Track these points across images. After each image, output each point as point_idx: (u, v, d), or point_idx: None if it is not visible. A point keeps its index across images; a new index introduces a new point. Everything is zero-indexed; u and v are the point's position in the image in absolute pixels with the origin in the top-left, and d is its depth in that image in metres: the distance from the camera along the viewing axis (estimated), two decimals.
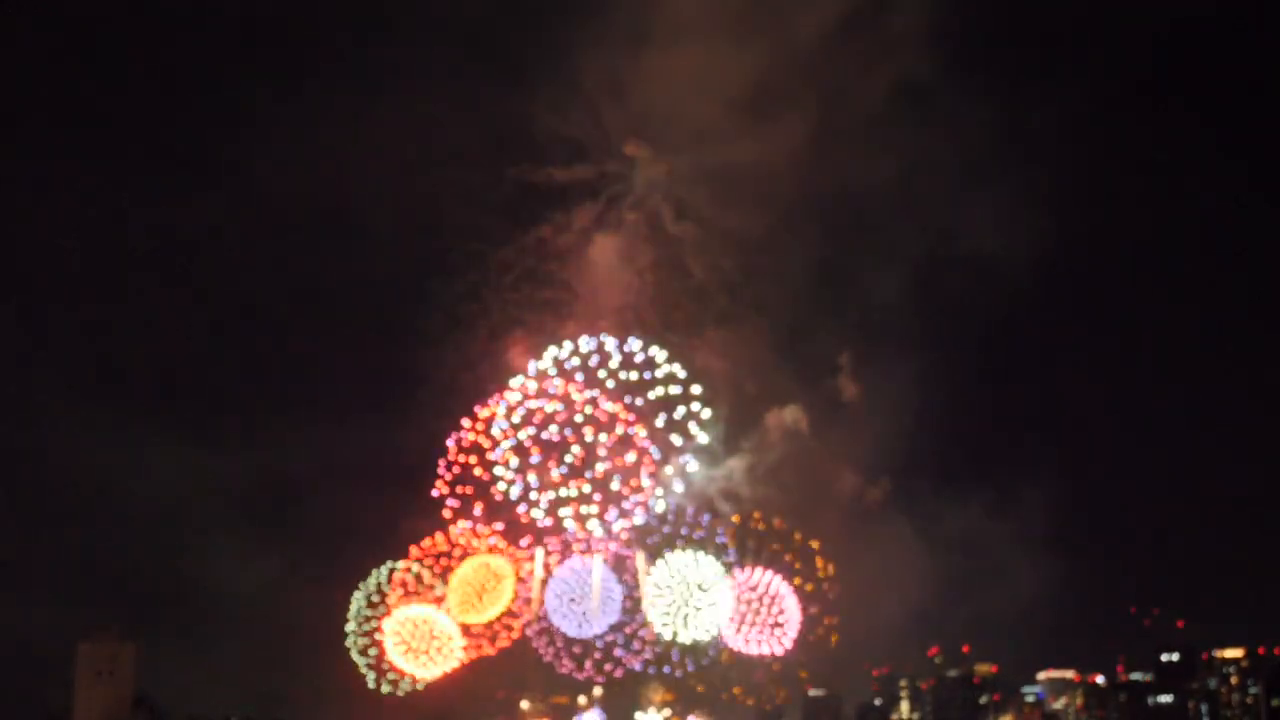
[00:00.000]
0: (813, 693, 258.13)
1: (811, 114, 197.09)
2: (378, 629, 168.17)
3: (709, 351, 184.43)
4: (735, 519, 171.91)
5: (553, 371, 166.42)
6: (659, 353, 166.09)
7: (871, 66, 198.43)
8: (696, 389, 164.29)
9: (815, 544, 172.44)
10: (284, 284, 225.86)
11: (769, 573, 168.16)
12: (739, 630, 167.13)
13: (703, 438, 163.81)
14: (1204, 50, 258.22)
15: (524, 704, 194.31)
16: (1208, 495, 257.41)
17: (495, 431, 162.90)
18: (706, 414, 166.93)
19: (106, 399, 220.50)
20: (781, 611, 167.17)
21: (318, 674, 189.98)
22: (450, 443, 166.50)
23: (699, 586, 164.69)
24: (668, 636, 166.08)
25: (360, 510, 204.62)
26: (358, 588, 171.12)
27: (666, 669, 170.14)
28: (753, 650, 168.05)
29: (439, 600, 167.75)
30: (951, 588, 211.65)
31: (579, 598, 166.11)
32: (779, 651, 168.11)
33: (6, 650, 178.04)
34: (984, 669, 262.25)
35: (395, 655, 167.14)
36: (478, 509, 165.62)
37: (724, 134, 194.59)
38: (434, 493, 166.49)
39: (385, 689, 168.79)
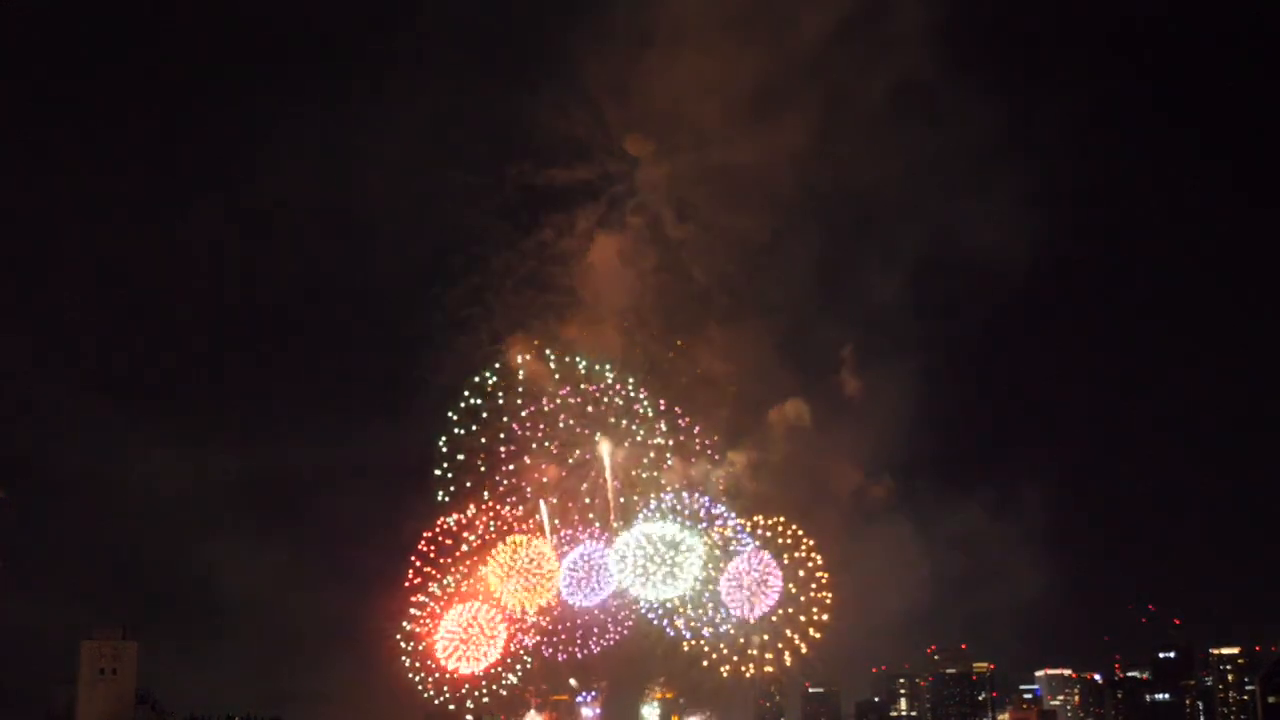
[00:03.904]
0: (812, 689, 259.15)
1: (813, 114, 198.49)
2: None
3: (712, 351, 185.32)
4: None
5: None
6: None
7: (872, 66, 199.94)
8: None
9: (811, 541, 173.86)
10: (286, 286, 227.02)
11: (761, 551, 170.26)
12: (728, 594, 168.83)
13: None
14: (1204, 52, 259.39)
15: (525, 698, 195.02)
16: (1206, 495, 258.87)
17: None
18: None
19: (109, 400, 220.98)
20: (768, 574, 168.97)
21: (318, 674, 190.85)
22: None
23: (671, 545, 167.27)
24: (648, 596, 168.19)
25: (361, 510, 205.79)
26: None
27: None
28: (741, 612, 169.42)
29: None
30: (951, 586, 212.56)
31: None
32: (764, 610, 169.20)
33: (9, 648, 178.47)
34: (982, 666, 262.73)
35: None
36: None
37: (725, 134, 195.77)
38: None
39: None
